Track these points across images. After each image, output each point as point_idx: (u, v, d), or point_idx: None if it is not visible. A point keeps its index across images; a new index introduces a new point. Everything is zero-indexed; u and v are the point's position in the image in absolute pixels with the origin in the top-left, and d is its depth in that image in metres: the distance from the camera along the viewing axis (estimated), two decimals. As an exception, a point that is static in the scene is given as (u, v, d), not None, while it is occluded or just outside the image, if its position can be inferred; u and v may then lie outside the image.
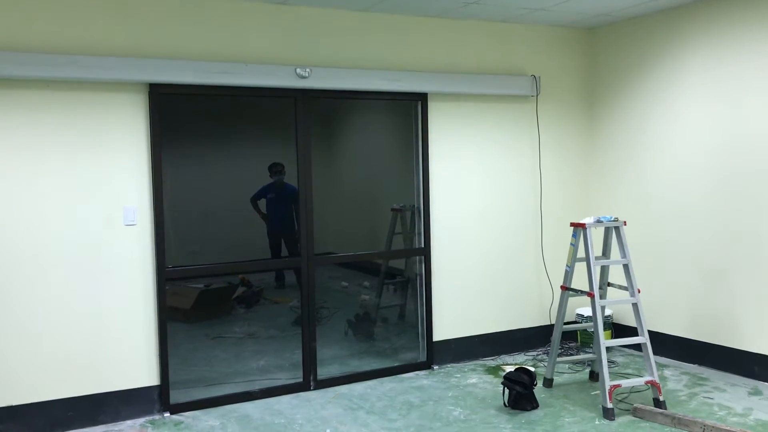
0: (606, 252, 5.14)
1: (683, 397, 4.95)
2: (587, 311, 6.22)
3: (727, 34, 5.33)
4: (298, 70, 5.09)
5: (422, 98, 5.69)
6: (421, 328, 5.86)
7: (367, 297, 8.65)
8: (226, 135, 10.09)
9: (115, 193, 4.69)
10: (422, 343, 5.85)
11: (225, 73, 4.86)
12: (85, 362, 4.64)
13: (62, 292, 4.56)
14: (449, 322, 5.93)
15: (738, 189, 5.30)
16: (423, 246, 5.80)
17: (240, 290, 8.36)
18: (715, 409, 4.72)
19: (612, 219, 4.99)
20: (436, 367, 5.78)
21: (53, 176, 4.53)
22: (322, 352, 6.29)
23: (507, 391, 4.80)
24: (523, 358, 6.04)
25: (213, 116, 9.77)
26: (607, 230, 5.11)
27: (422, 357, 5.83)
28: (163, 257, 4.83)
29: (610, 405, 4.58)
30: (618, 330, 6.22)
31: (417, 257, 5.92)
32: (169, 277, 4.90)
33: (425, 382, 5.44)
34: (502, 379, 4.90)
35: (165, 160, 4.85)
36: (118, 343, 4.73)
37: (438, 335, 5.87)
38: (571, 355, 6.05)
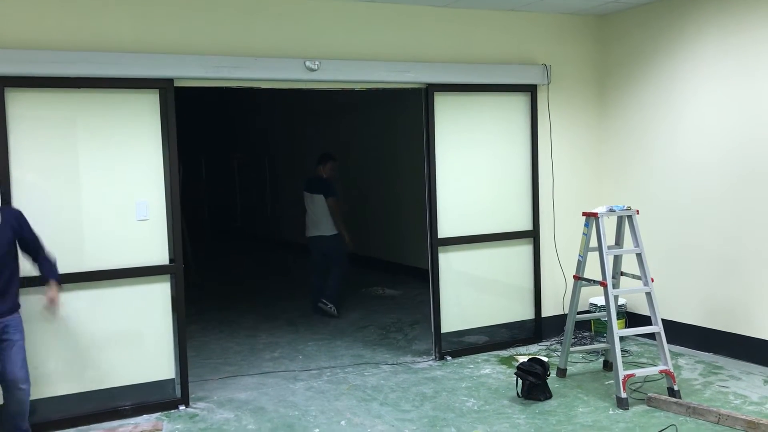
0: (619, 241, 5.11)
1: (698, 386, 4.93)
2: (600, 300, 6.17)
3: (741, 20, 5.26)
4: (308, 63, 5.08)
5: (432, 89, 5.67)
6: (434, 320, 5.86)
7: (381, 291, 8.69)
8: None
9: (128, 187, 4.73)
10: (435, 334, 5.85)
11: (235, 67, 4.87)
12: (102, 356, 4.70)
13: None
14: (461, 312, 5.92)
15: (752, 177, 5.24)
16: (431, 237, 5.77)
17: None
18: (731, 397, 4.69)
19: (625, 208, 4.96)
20: (449, 358, 5.78)
21: (72, 172, 4.59)
22: (335, 344, 6.33)
23: (520, 381, 4.80)
24: (536, 348, 6.03)
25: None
26: (620, 219, 5.08)
27: (435, 348, 5.83)
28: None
29: (624, 395, 4.57)
30: (632, 319, 6.19)
31: (429, 248, 5.90)
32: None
33: (438, 373, 5.45)
34: (515, 370, 4.90)
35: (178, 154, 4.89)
36: (135, 337, 4.78)
37: (451, 326, 5.87)
38: (585, 344, 6.04)
